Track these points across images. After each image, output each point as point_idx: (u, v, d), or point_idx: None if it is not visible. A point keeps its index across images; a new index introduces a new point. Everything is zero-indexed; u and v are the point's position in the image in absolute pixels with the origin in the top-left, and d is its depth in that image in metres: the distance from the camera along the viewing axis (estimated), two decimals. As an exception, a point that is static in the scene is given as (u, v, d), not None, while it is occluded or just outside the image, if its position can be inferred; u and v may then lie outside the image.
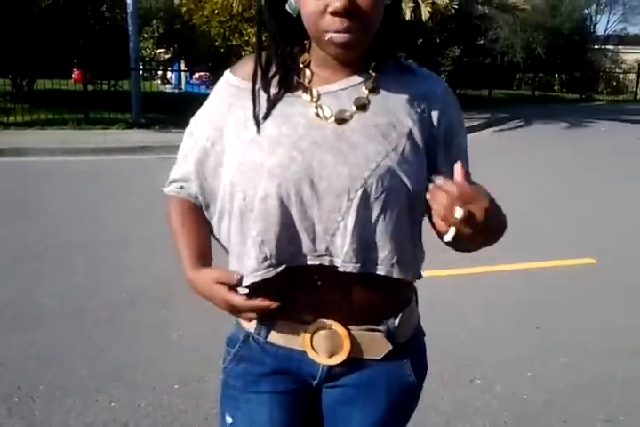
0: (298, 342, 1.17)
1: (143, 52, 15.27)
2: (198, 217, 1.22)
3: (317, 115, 1.09)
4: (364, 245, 1.07)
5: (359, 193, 1.04)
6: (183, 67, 17.28)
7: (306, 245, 1.09)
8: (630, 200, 6.76)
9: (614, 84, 22.16)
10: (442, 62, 17.29)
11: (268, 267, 1.10)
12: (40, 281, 4.01)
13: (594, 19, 28.72)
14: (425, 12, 11.60)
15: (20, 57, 11.14)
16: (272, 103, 1.10)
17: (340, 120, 1.08)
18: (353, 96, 1.10)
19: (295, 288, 1.13)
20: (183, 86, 17.27)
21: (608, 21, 32.17)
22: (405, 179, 1.06)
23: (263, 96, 1.11)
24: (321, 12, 0.99)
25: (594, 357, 3.23)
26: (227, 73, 1.18)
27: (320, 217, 1.07)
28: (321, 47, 1.06)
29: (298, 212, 1.07)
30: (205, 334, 3.22)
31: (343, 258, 1.07)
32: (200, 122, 1.20)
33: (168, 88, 17.49)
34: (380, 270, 1.09)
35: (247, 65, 1.16)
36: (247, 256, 1.11)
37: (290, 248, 1.09)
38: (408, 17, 11.75)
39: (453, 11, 12.32)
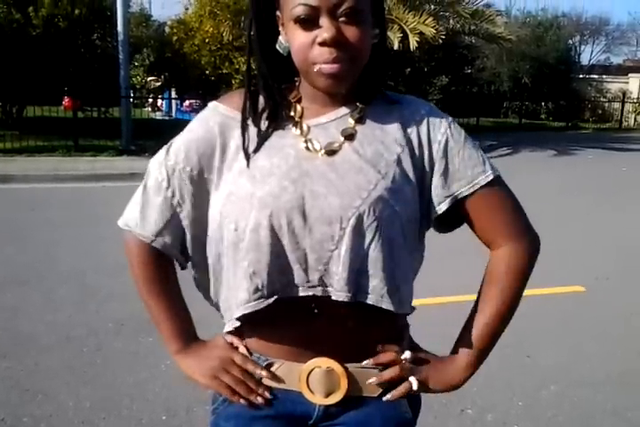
0: (293, 382, 1.13)
1: (134, 79, 15.41)
2: (172, 270, 1.21)
3: (307, 148, 1.09)
4: (357, 273, 1.06)
5: (352, 222, 1.04)
6: (174, 94, 17.41)
7: (298, 275, 1.07)
8: (618, 228, 6.80)
9: (600, 112, 22.47)
10: (430, 91, 17.51)
11: (260, 298, 1.08)
12: (26, 309, 3.96)
13: (578, 49, 29.34)
14: (413, 42, 11.79)
15: (11, 84, 11.19)
16: (263, 137, 1.10)
17: (330, 151, 1.09)
18: (340, 127, 1.10)
19: (288, 321, 1.11)
20: (174, 114, 17.38)
21: (592, 51, 32.81)
22: (397, 206, 1.06)
23: (253, 129, 1.11)
24: (310, 43, 1.00)
25: (584, 385, 3.21)
26: (213, 103, 1.16)
27: (312, 247, 1.06)
28: (310, 80, 1.06)
29: (289, 242, 1.05)
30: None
31: (336, 287, 1.06)
32: (180, 151, 1.14)
33: (158, 115, 17.58)
34: (370, 300, 1.08)
35: (234, 97, 1.15)
36: (238, 288, 1.09)
37: (282, 279, 1.07)
38: (396, 46, 11.95)
39: (440, 41, 12.54)
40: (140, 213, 1.16)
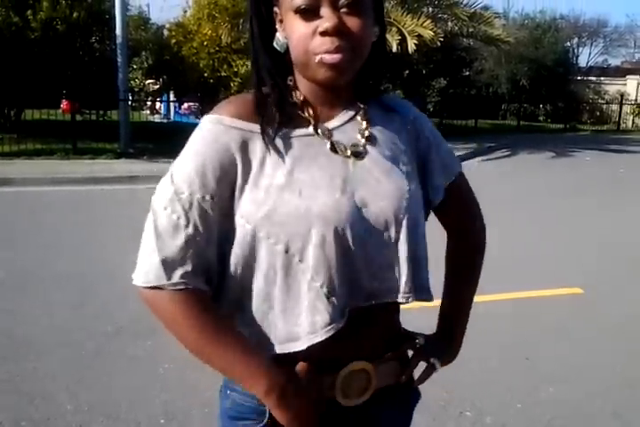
0: (325, 391, 1.09)
1: (132, 82, 15.38)
2: (210, 301, 1.05)
3: (334, 151, 1.07)
4: (415, 273, 1.09)
5: (404, 223, 1.07)
6: (172, 97, 17.40)
7: (365, 285, 1.06)
8: (616, 229, 6.81)
9: (597, 114, 22.48)
10: (428, 93, 17.53)
11: (342, 316, 1.03)
12: (24, 312, 3.96)
13: (576, 51, 29.35)
14: (411, 45, 11.80)
15: (9, 87, 11.18)
16: (289, 145, 1.04)
17: (357, 154, 1.08)
18: (355, 128, 1.11)
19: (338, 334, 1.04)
20: (172, 116, 17.37)
21: (590, 53, 32.82)
22: (420, 204, 1.13)
23: (275, 139, 1.04)
24: (311, 34, 0.99)
25: (583, 387, 3.21)
26: (213, 117, 1.04)
27: (375, 254, 1.05)
28: (310, 73, 1.03)
29: (355, 253, 1.03)
30: (192, 366, 3.17)
31: (403, 289, 1.08)
32: (193, 179, 1.01)
33: (157, 118, 17.58)
34: (427, 295, 1.13)
35: (232, 107, 1.06)
36: (310, 311, 1.02)
37: (352, 292, 1.04)
38: (395, 49, 11.95)
39: (439, 43, 12.56)
40: (162, 263, 0.99)
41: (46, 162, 9.96)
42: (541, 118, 21.94)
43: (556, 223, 7.04)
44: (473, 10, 13.98)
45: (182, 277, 1.00)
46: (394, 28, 12.27)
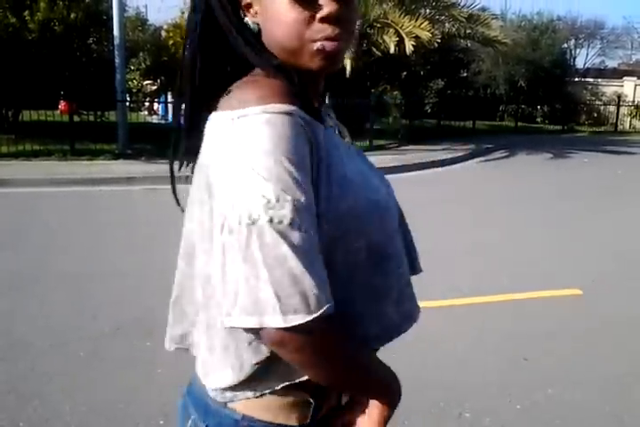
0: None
1: (130, 83, 15.37)
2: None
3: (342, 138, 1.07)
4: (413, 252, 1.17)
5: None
6: (170, 98, 17.41)
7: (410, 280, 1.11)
8: (614, 230, 6.81)
9: (595, 115, 22.52)
10: (426, 94, 17.55)
11: (419, 311, 1.09)
12: (22, 313, 3.95)
13: (573, 52, 29.43)
14: (409, 46, 11.82)
15: (7, 88, 11.17)
16: (337, 135, 1.03)
17: (350, 144, 1.11)
18: (332, 118, 1.10)
19: None
20: (170, 117, 17.36)
21: (587, 55, 32.91)
22: None
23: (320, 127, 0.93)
24: (307, 19, 0.91)
25: (582, 388, 3.21)
26: (278, 107, 0.87)
27: (409, 243, 1.14)
28: (301, 62, 0.94)
29: (403, 243, 1.09)
30: (190, 368, 3.16)
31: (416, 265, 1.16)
32: (294, 183, 0.83)
33: (155, 119, 17.57)
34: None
35: (281, 91, 0.90)
36: (401, 299, 1.03)
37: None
38: (392, 50, 11.98)
39: (436, 44, 12.59)
40: (318, 287, 0.82)
41: (44, 163, 9.96)
42: (539, 120, 21.99)
43: (555, 224, 7.05)
44: (470, 11, 14.02)
45: (328, 300, 0.83)
46: (391, 30, 12.31)
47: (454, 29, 14.30)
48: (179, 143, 1.04)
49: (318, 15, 0.91)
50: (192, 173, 1.00)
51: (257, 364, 0.92)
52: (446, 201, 8.19)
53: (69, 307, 4.08)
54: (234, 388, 0.96)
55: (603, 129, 21.09)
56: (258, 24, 0.97)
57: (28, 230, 6.03)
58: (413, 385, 3.21)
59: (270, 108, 0.85)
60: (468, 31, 14.29)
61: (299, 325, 0.80)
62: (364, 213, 0.93)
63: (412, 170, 10.82)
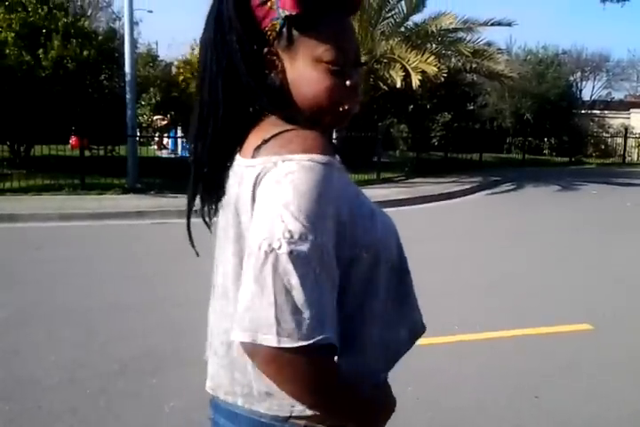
0: None
1: (140, 118, 15.60)
2: None
3: None
4: None
5: None
6: (180, 133, 17.62)
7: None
8: (624, 264, 6.76)
9: (602, 147, 22.58)
10: (432, 127, 17.67)
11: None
12: (28, 349, 3.93)
13: (579, 85, 29.68)
14: (415, 80, 11.95)
15: (19, 124, 11.35)
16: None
17: None
18: None
19: None
20: (179, 152, 17.54)
21: (593, 87, 33.14)
22: None
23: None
24: (340, 85, 1.06)
25: (593, 426, 3.15)
26: (323, 158, 0.96)
27: None
28: (327, 119, 1.08)
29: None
30: (198, 405, 3.12)
31: None
32: (325, 227, 0.94)
33: (164, 153, 17.75)
34: None
35: (318, 142, 0.99)
36: (414, 310, 1.17)
37: None
38: (399, 85, 12.12)
39: (442, 78, 12.72)
40: (316, 320, 0.91)
41: (54, 197, 10.04)
42: (546, 152, 22.06)
43: (563, 257, 7.01)
44: (476, 46, 14.19)
45: (323, 333, 0.91)
46: (398, 65, 12.47)
47: (460, 64, 14.48)
48: (198, 181, 1.12)
49: (347, 83, 1.06)
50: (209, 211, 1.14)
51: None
52: (455, 234, 8.18)
53: (77, 343, 4.07)
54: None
55: (610, 161, 21.13)
56: (280, 79, 1.07)
57: (36, 265, 6.05)
58: (424, 422, 3.17)
59: (315, 157, 0.95)
60: (474, 65, 14.45)
61: (289, 348, 0.89)
62: (387, 240, 1.09)
63: (419, 203, 10.84)
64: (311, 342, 0.89)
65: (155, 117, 17.42)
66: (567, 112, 21.92)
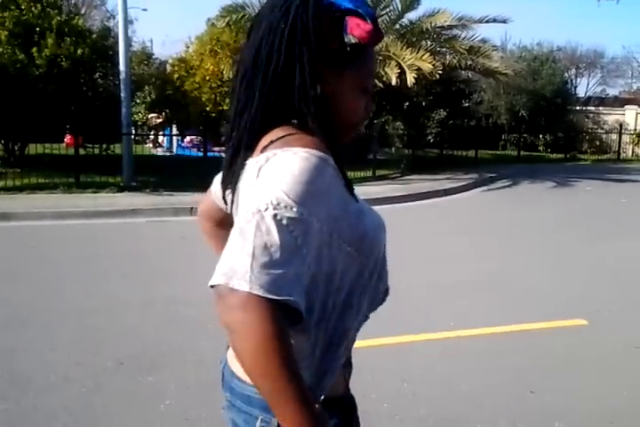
0: (342, 385, 1.29)
1: (135, 116, 15.57)
2: None
3: None
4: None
5: None
6: (175, 131, 17.58)
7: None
8: (619, 259, 6.78)
9: (597, 144, 22.59)
10: (428, 125, 17.65)
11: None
12: (24, 349, 3.93)
13: (574, 81, 29.71)
14: (410, 78, 11.95)
15: (13, 122, 11.30)
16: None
17: None
18: None
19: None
20: (174, 150, 17.50)
21: (588, 84, 33.21)
22: None
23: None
24: (364, 104, 1.24)
25: (590, 421, 3.17)
26: (319, 153, 1.07)
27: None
28: (344, 132, 1.23)
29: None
30: (193, 404, 3.14)
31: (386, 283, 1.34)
32: (322, 210, 1.05)
33: (159, 151, 17.71)
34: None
35: (315, 143, 1.10)
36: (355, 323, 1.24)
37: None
38: (394, 82, 12.11)
39: (438, 76, 12.71)
40: (287, 280, 0.97)
41: (49, 196, 10.00)
42: (541, 148, 22.06)
43: (560, 253, 7.02)
44: (471, 43, 14.18)
45: (290, 294, 0.96)
46: (393, 62, 12.46)
47: (455, 61, 14.46)
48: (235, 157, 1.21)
49: (367, 107, 1.24)
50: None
51: None
52: (450, 231, 8.19)
53: (72, 342, 4.06)
54: None
55: (605, 157, 21.14)
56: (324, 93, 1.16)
57: (31, 264, 6.03)
58: (419, 418, 3.17)
59: (312, 151, 1.05)
60: (469, 62, 14.43)
61: (257, 297, 0.93)
62: (373, 237, 1.19)
63: (415, 200, 10.84)
64: (280, 298, 0.94)
65: (149, 115, 17.39)
66: (562, 109, 21.92)
